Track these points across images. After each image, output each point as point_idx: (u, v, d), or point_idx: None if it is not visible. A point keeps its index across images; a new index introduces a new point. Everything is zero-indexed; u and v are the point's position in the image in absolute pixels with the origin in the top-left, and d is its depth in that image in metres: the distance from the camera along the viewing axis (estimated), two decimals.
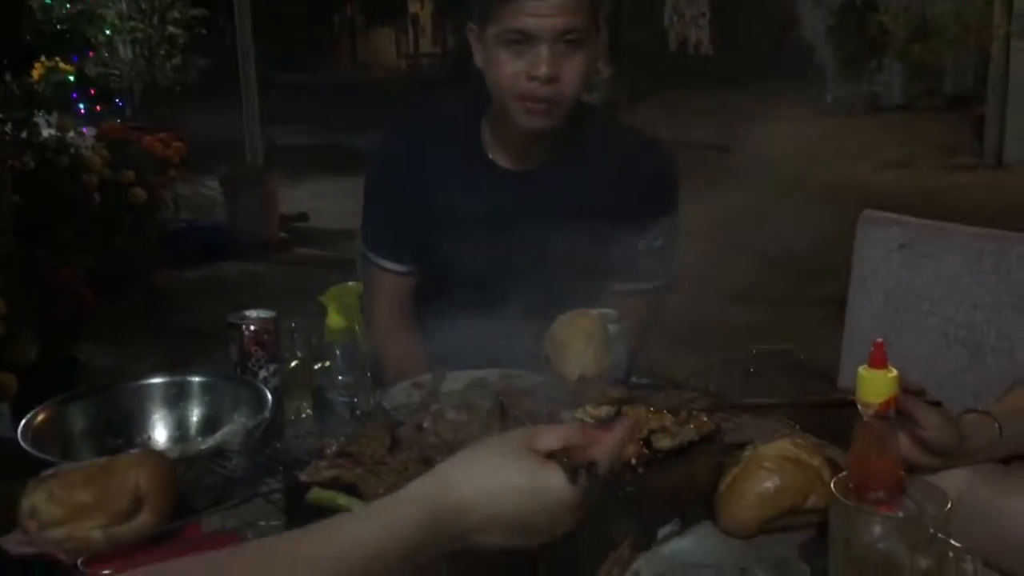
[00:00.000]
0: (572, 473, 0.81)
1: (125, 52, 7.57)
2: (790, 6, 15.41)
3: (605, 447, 0.85)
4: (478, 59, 1.62)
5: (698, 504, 1.16)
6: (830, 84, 14.10)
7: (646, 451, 1.12)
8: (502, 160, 1.69)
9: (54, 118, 4.89)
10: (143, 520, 1.02)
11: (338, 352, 1.40)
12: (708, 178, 8.22)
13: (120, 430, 1.25)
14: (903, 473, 0.99)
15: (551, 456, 0.82)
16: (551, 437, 0.83)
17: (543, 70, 1.50)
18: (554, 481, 0.80)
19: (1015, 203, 7.26)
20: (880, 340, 0.99)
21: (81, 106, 6.93)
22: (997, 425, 1.14)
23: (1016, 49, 8.58)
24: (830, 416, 1.26)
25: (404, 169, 1.72)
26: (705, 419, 1.18)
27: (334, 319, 1.41)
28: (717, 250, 5.60)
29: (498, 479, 0.79)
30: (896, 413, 1.02)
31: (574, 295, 1.67)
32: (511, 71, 1.53)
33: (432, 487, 0.79)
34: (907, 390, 1.05)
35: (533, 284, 1.64)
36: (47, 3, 6.18)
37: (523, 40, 1.50)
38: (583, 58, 1.55)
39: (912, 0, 11.09)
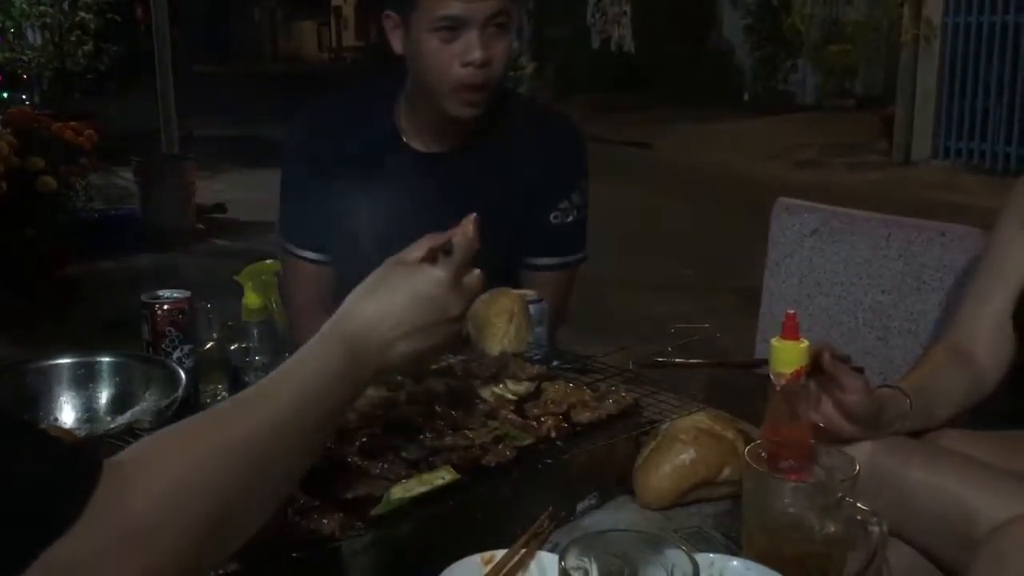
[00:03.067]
0: (432, 258, 0.95)
1: (34, 38, 7.34)
2: (710, 6, 15.69)
3: (456, 233, 0.99)
4: (397, 47, 1.59)
5: (616, 478, 1.17)
6: (747, 83, 14.40)
7: (565, 425, 1.13)
8: (416, 144, 1.67)
9: None
10: None
11: (255, 332, 1.38)
12: (629, 174, 8.33)
13: (26, 411, 1.20)
14: (813, 441, 1.02)
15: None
16: (416, 250, 0.97)
17: (477, 55, 1.49)
18: (423, 272, 0.94)
19: (921, 197, 7.52)
20: (792, 312, 1.02)
21: None
22: (908, 400, 1.18)
23: (924, 53, 8.88)
24: (743, 393, 1.30)
25: (316, 156, 1.69)
26: (624, 394, 1.20)
27: (251, 298, 1.39)
28: (637, 243, 5.68)
29: (384, 291, 0.93)
30: (821, 377, 1.07)
31: (493, 274, 1.69)
32: (443, 58, 1.50)
33: (338, 320, 0.91)
34: (834, 355, 1.07)
35: None
36: None
37: (454, 26, 1.49)
38: (508, 41, 1.55)
39: (825, 3, 11.38)
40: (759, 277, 2.08)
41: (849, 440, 1.11)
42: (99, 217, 5.66)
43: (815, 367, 1.05)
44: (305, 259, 1.73)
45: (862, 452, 1.20)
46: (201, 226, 6.14)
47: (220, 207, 6.72)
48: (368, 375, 0.90)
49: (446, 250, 0.96)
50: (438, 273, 0.94)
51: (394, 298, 0.92)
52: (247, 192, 7.41)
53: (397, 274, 0.94)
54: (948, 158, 8.94)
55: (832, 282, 1.99)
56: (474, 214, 0.97)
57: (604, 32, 15.17)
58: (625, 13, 15.07)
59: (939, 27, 8.75)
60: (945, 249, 1.81)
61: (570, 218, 1.70)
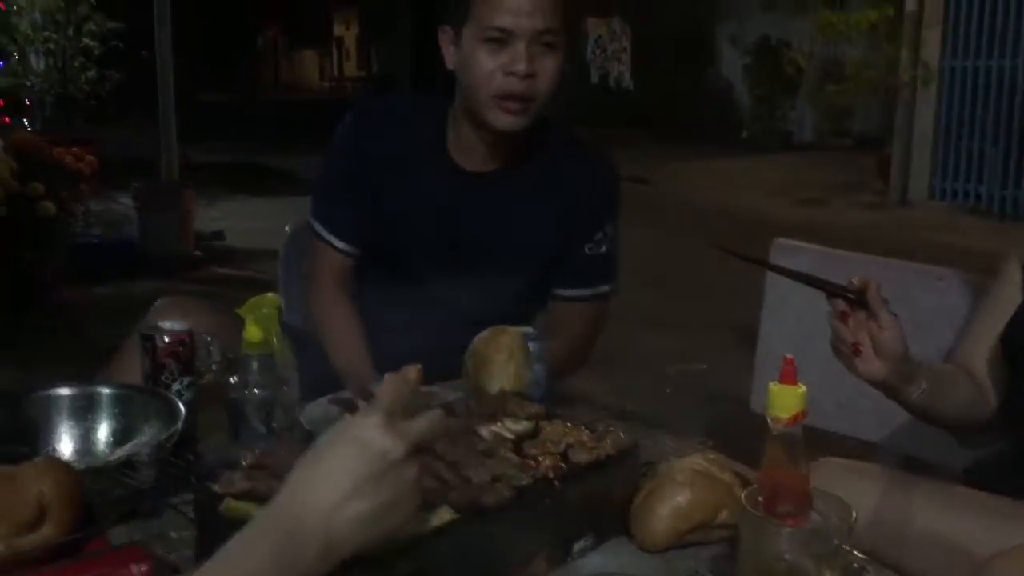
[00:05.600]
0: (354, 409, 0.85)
1: (38, 63, 7.37)
2: (709, 44, 15.83)
3: (387, 384, 0.86)
4: (450, 61, 1.65)
5: (613, 519, 1.17)
6: (745, 121, 14.49)
7: (563, 465, 1.13)
8: (462, 161, 1.71)
9: None
10: (46, 532, 0.99)
11: (255, 365, 1.38)
12: (627, 210, 8.35)
13: (24, 441, 1.20)
14: (810, 487, 1.02)
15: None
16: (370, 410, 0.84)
17: (521, 66, 1.55)
18: (351, 420, 0.82)
19: (919, 237, 7.55)
20: (791, 357, 1.03)
21: None
22: (928, 372, 1.29)
23: (921, 95, 8.96)
24: (741, 434, 1.30)
25: (364, 151, 1.74)
26: (621, 435, 1.20)
27: (252, 331, 1.39)
28: (634, 279, 5.68)
29: (318, 452, 0.80)
30: (864, 307, 1.20)
31: (525, 302, 1.74)
32: (489, 67, 1.57)
33: (273, 502, 0.79)
34: (876, 290, 1.20)
35: (477, 285, 1.71)
36: None
37: (502, 38, 1.56)
38: (555, 61, 1.61)
39: (824, 44, 11.49)
40: (754, 312, 2.09)
41: (873, 377, 1.23)
42: (97, 243, 5.67)
43: (862, 298, 1.20)
44: (332, 245, 1.78)
45: (862, 495, 1.22)
46: (199, 253, 6.14)
47: (218, 234, 6.73)
48: (312, 556, 0.76)
49: (367, 395, 0.90)
50: (365, 415, 0.82)
51: (328, 455, 0.80)
52: (245, 220, 7.43)
53: (329, 432, 0.83)
54: (945, 199, 9.01)
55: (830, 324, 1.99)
56: (418, 366, 0.90)
57: (603, 68, 15.31)
58: (625, 50, 15.22)
59: (936, 70, 8.85)
60: (943, 294, 1.83)
61: (603, 249, 1.74)
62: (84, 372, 3.49)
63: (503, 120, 1.60)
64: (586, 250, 1.72)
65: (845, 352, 1.25)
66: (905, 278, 1.89)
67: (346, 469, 0.78)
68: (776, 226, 8.19)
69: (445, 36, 1.65)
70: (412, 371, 0.90)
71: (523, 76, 1.56)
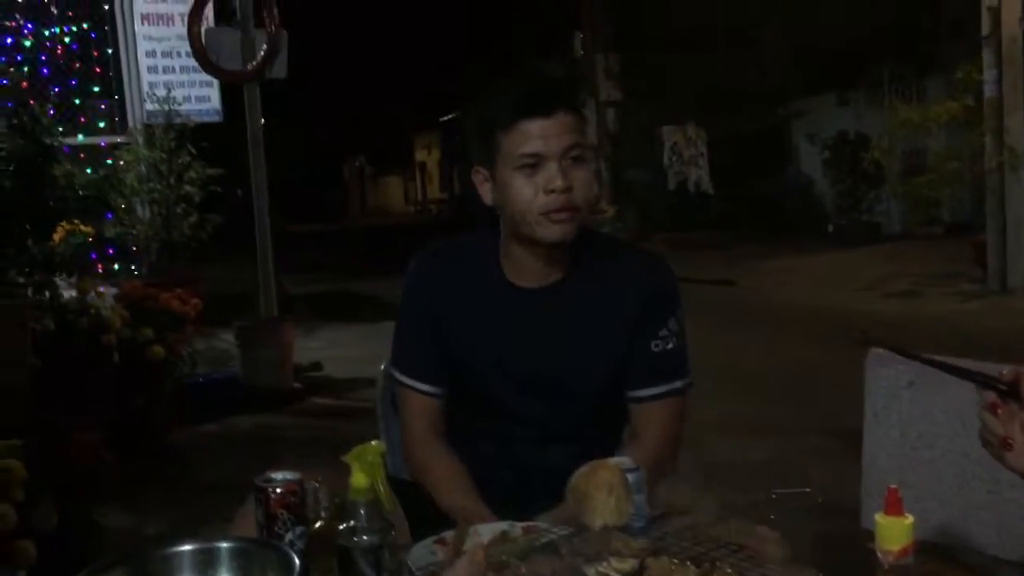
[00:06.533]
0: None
1: (143, 212, 7.80)
2: (786, 141, 15.88)
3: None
4: (487, 198, 1.74)
5: None
6: (830, 216, 14.37)
7: None
8: (518, 280, 1.78)
9: (74, 279, 5.02)
10: None
11: (362, 511, 1.42)
12: (714, 313, 8.30)
13: None
14: None
15: None
16: None
17: (559, 183, 1.64)
18: None
19: (1022, 325, 7.30)
20: (894, 487, 1.02)
21: (99, 265, 7.12)
22: None
23: (1011, 179, 8.79)
24: (854, 566, 1.27)
25: (428, 293, 1.83)
26: (728, 571, 1.20)
27: (358, 478, 1.43)
28: (727, 385, 5.61)
29: None
30: (1017, 397, 1.17)
31: (600, 411, 1.76)
32: (529, 192, 1.66)
33: None
34: None
35: (557, 401, 1.76)
36: (69, 171, 6.45)
37: (535, 163, 1.65)
38: (587, 172, 1.71)
39: (903, 136, 11.41)
40: (858, 416, 2.05)
41: None
42: (203, 381, 5.87)
43: (1014, 389, 1.16)
44: (416, 389, 1.84)
45: None
46: (299, 385, 6.30)
47: (317, 365, 6.91)
48: None
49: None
50: None
51: None
52: (342, 349, 7.62)
53: None
54: None
55: (935, 434, 1.94)
56: (484, 544, 0.95)
57: (681, 174, 15.45)
58: (702, 154, 15.37)
59: (1023, 154, 8.69)
60: None
61: (671, 345, 1.76)
62: (198, 513, 3.60)
63: (554, 231, 1.67)
64: (653, 347, 1.75)
65: (995, 445, 1.21)
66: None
67: None
68: (873, 319, 8.03)
69: (479, 176, 1.75)
70: (479, 552, 0.91)
71: (562, 191, 1.64)
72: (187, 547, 1.32)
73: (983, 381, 1.22)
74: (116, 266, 7.59)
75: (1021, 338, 6.64)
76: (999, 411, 1.20)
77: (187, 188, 7.66)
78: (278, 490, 1.41)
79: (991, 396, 1.20)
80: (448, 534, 1.47)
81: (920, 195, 10.71)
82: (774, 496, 1.41)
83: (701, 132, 15.48)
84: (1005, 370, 1.20)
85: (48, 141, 6.56)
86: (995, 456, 1.21)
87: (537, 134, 1.64)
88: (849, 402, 2.00)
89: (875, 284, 9.85)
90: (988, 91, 8.83)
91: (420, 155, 40.06)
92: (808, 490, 1.53)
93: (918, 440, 1.96)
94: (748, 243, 13.40)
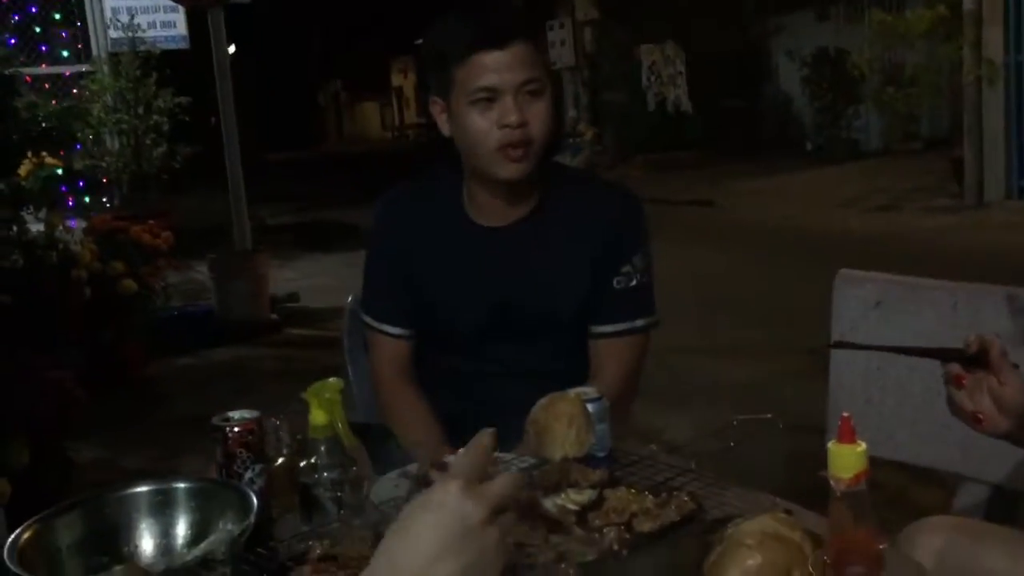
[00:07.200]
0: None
1: (112, 143, 7.67)
2: (765, 60, 15.71)
3: (463, 452, 0.89)
4: (445, 129, 1.72)
5: None
6: (809, 133, 14.30)
7: (627, 536, 1.13)
8: (482, 220, 1.77)
9: (43, 213, 4.94)
10: None
11: (322, 448, 1.41)
12: (694, 233, 8.30)
13: (108, 541, 1.24)
14: (880, 547, 1.00)
15: None
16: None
17: (513, 117, 1.62)
18: (431, 488, 0.84)
19: (998, 239, 7.34)
20: (847, 415, 1.01)
21: (69, 199, 7.00)
22: None
23: (988, 93, 8.74)
24: (812, 489, 1.27)
25: (394, 236, 1.83)
26: (685, 499, 1.20)
27: (317, 415, 1.42)
28: (705, 306, 5.64)
29: (402, 523, 0.83)
30: (984, 365, 1.17)
31: (564, 348, 1.77)
32: (484, 126, 1.63)
33: (369, 572, 0.82)
34: (999, 350, 1.17)
35: (522, 338, 1.76)
36: (32, 102, 6.29)
37: (490, 97, 1.62)
38: (544, 105, 1.67)
39: (883, 49, 11.31)
40: (828, 335, 2.05)
41: (999, 435, 1.19)
42: (177, 315, 5.85)
43: (981, 358, 1.17)
44: (386, 333, 1.85)
45: (936, 541, 1.19)
46: (275, 316, 6.28)
47: (293, 296, 6.88)
48: None
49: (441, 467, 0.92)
50: (445, 481, 0.85)
51: (413, 521, 0.82)
52: (318, 278, 7.59)
53: (414, 501, 0.86)
54: (1023, 198, 8.74)
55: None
56: (492, 428, 0.91)
57: (660, 94, 15.29)
58: (680, 73, 15.19)
59: (1001, 67, 8.63)
60: (1017, 313, 1.77)
61: (633, 282, 1.75)
62: (174, 447, 3.59)
63: (509, 169, 1.66)
64: (616, 284, 1.74)
65: (965, 416, 1.21)
66: (974, 300, 1.85)
67: (431, 533, 0.81)
68: (850, 237, 8.06)
69: (436, 107, 1.72)
70: (487, 436, 0.90)
71: (516, 126, 1.62)
72: (144, 488, 1.31)
73: (946, 355, 1.21)
74: (87, 199, 7.47)
75: (996, 253, 6.67)
76: (964, 382, 1.19)
77: (156, 118, 7.52)
78: (235, 429, 1.39)
79: (955, 368, 1.20)
80: (412, 467, 1.46)
81: (898, 108, 10.66)
82: (735, 423, 1.41)
83: (679, 51, 15.27)
84: (972, 340, 1.19)
85: (8, 72, 6.39)
86: (968, 425, 1.21)
87: (492, 67, 1.61)
88: (825, 322, 2.00)
89: (853, 201, 9.85)
90: (967, 3, 8.73)
91: (396, 80, 39.45)
92: (770, 415, 1.53)
93: (884, 360, 1.96)
94: (727, 162, 13.35)
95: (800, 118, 14.84)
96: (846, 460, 0.99)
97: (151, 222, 5.48)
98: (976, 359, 1.18)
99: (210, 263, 6.24)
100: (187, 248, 6.08)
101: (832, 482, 1.00)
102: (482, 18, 1.66)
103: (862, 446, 1.00)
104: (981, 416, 1.18)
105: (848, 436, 1.00)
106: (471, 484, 0.84)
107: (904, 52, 11.21)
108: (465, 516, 0.82)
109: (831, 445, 1.02)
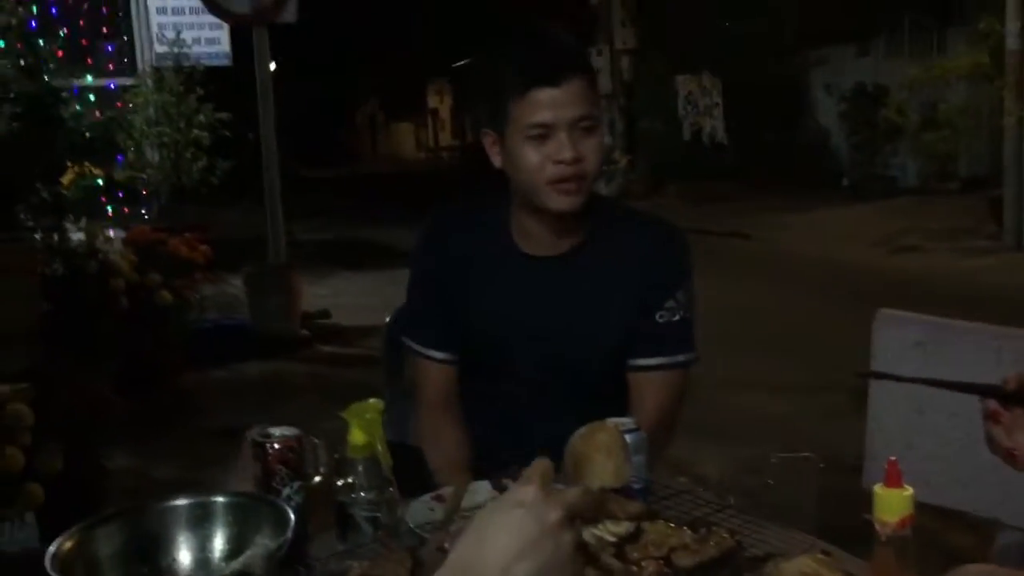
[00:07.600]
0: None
1: (152, 155, 7.78)
2: (803, 93, 15.65)
3: (536, 463, 0.89)
4: (497, 161, 1.72)
5: None
6: (845, 169, 14.21)
7: (667, 570, 1.12)
8: (530, 248, 1.77)
9: (83, 223, 5.01)
10: None
11: (360, 468, 1.41)
12: (730, 266, 8.25)
13: (147, 553, 1.25)
14: None
15: None
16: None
17: (568, 154, 1.62)
18: (507, 492, 0.85)
19: None
20: (894, 459, 1.01)
21: (109, 209, 7.10)
22: None
23: None
24: (852, 530, 1.26)
25: (440, 260, 1.82)
26: (725, 535, 1.19)
27: (356, 435, 1.42)
28: (740, 339, 5.60)
29: (477, 526, 0.84)
30: (1021, 402, 1.17)
31: (604, 380, 1.76)
32: (537, 160, 1.64)
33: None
34: None
35: (565, 368, 1.76)
36: (78, 112, 6.40)
37: (544, 133, 1.63)
38: (597, 140, 1.68)
39: (922, 88, 11.22)
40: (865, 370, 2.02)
41: None
42: (212, 327, 5.90)
43: (1020, 395, 1.16)
44: (431, 358, 1.84)
45: None
46: (306, 332, 6.32)
47: (324, 313, 6.92)
48: None
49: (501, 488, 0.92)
50: (522, 485, 0.85)
51: (491, 522, 0.83)
52: (350, 297, 7.64)
53: (488, 506, 0.87)
54: None
55: (943, 397, 1.92)
56: (547, 460, 0.90)
57: (696, 124, 15.28)
58: (717, 104, 15.18)
59: None
60: None
61: (676, 317, 1.74)
62: (205, 458, 3.61)
63: (561, 202, 1.66)
64: (658, 318, 1.73)
65: (1001, 453, 1.21)
66: (1021, 346, 1.82)
67: (511, 532, 0.81)
68: (887, 275, 7.98)
69: (488, 139, 1.72)
70: (546, 461, 0.90)
71: (571, 163, 1.63)
72: (183, 501, 1.32)
73: (984, 391, 1.20)
74: (126, 210, 7.58)
75: None
76: (1002, 419, 1.18)
77: (196, 132, 7.63)
78: (276, 445, 1.40)
79: (992, 404, 1.19)
80: (446, 490, 1.46)
81: (935, 151, 10.58)
82: (774, 461, 1.40)
83: (716, 81, 15.27)
84: (1011, 378, 1.19)
85: (56, 83, 6.51)
86: (1004, 461, 1.21)
87: (547, 104, 1.61)
88: (861, 361, 1.99)
89: (889, 239, 9.76)
90: (1011, 44, 8.66)
91: (432, 101, 39.74)
92: (809, 454, 1.51)
93: (925, 403, 1.94)
94: (762, 195, 13.28)
95: (836, 153, 14.74)
96: (893, 504, 0.99)
97: (188, 235, 5.54)
98: (1014, 396, 1.18)
99: (245, 277, 6.30)
100: (224, 261, 6.14)
101: (877, 526, 1.00)
102: (539, 53, 1.67)
103: (909, 490, 1.00)
104: (1017, 452, 1.18)
105: (895, 480, 1.00)
106: (547, 489, 0.85)
107: (943, 92, 11.14)
108: (543, 517, 0.82)
109: (877, 488, 1.01)
